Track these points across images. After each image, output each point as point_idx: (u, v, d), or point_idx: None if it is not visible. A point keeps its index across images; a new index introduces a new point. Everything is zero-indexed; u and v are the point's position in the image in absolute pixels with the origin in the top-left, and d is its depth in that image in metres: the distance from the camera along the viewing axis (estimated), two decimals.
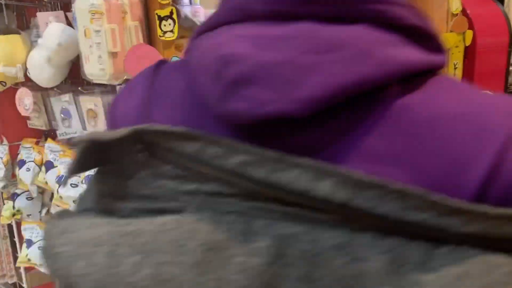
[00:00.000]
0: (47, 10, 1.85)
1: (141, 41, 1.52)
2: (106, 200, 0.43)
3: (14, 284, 2.36)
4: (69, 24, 1.71)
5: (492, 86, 2.87)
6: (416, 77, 0.42)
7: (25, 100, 1.89)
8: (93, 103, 1.70)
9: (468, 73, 2.75)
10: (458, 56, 2.59)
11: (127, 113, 0.49)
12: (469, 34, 2.59)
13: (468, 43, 2.60)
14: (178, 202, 0.39)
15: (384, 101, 0.40)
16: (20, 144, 2.11)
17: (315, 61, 0.38)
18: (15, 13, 1.98)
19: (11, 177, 2.11)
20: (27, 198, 2.10)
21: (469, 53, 2.67)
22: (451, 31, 2.47)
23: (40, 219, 2.11)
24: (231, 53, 0.39)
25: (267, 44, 0.39)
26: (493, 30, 2.77)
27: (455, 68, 2.62)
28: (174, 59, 1.55)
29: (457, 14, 2.47)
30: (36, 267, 2.09)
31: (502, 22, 2.80)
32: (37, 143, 2.11)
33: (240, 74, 0.39)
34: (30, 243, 2.07)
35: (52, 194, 1.95)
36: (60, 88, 1.88)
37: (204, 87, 0.42)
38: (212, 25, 0.45)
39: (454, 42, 2.49)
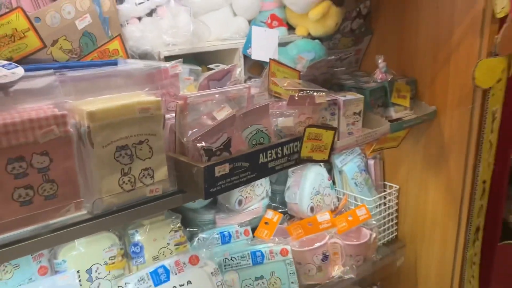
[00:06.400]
0: None
1: None
2: None
3: None
4: None
5: None
6: None
7: None
8: None
9: (509, 119, 1.68)
10: (499, 97, 1.51)
11: None
12: None
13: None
14: None
15: None
16: None
17: None
18: None
19: None
20: None
21: (508, 88, 1.64)
22: (495, 55, 1.39)
23: None
24: None
25: None
26: None
27: (494, 120, 1.53)
28: None
29: (504, 18, 1.40)
30: None
31: None
32: None
33: None
34: None
35: None
36: None
37: None
38: None
39: (498, 73, 1.41)
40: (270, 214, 1.62)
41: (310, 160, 1.25)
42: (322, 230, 1.54)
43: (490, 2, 1.39)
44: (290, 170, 1.73)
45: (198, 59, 1.51)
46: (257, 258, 1.40)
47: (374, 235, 1.63)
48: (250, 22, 1.60)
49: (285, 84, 1.29)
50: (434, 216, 1.71)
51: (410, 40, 1.66)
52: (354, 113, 1.43)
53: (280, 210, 1.70)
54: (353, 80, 1.60)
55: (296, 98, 1.22)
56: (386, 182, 1.85)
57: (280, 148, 1.15)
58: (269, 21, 1.62)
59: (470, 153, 1.55)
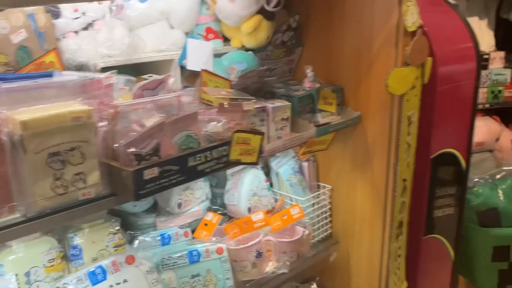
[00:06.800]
0: None
1: None
2: None
3: None
4: None
5: (456, 133, 2.00)
6: None
7: None
8: None
9: (426, 123, 1.85)
10: (414, 103, 1.67)
11: None
12: (428, 64, 1.69)
13: (427, 78, 1.70)
14: None
15: None
16: None
17: None
18: None
19: None
20: None
21: (427, 93, 1.80)
22: (407, 64, 1.55)
23: None
24: None
25: None
26: (457, 52, 1.92)
27: (410, 124, 1.68)
28: None
29: (415, 32, 1.55)
30: None
31: (465, 37, 1.94)
32: None
33: None
34: None
35: None
36: None
37: None
38: None
39: (410, 81, 1.57)
40: (209, 216, 1.71)
41: (239, 163, 1.36)
42: (256, 229, 1.65)
43: (401, 17, 1.54)
44: (229, 173, 1.83)
45: (137, 70, 1.59)
46: (193, 257, 1.49)
47: (307, 232, 1.75)
48: (187, 34, 1.70)
49: (216, 93, 1.39)
50: (363, 213, 1.85)
51: (336, 51, 1.79)
52: (282, 119, 1.54)
53: (220, 212, 1.79)
54: (285, 89, 1.72)
55: (225, 106, 1.33)
56: (319, 183, 1.98)
57: (209, 152, 1.24)
58: (205, 33, 1.72)
59: (391, 154, 1.70)
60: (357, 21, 1.70)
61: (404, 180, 1.74)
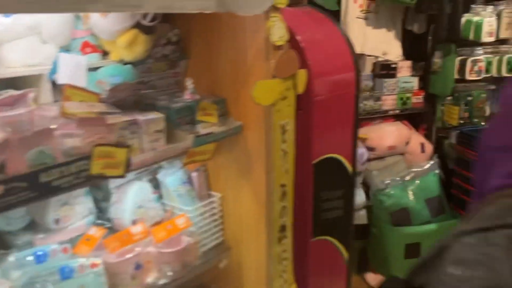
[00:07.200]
0: None
1: None
2: None
3: None
4: None
5: (338, 139, 2.11)
6: None
7: None
8: None
9: (306, 130, 1.95)
10: (287, 112, 1.75)
11: None
12: (302, 76, 1.78)
13: (301, 89, 1.79)
14: None
15: None
16: None
17: None
18: None
19: None
20: None
21: (304, 103, 1.89)
22: (273, 77, 1.63)
23: None
24: None
25: None
26: (334, 64, 2.04)
27: (285, 132, 1.77)
28: None
29: (281, 46, 1.63)
30: None
31: (343, 49, 2.07)
32: None
33: None
34: None
35: None
36: None
37: None
38: None
39: (277, 92, 1.65)
40: (93, 230, 1.70)
41: (103, 177, 1.37)
42: (137, 241, 1.66)
43: (269, 30, 1.62)
44: (113, 186, 1.82)
45: (9, 85, 1.56)
46: (65, 274, 1.47)
47: (192, 241, 1.78)
48: (62, 49, 1.69)
49: (80, 107, 1.39)
50: (248, 219, 1.91)
51: (217, 64, 1.85)
52: (156, 131, 1.57)
53: (107, 226, 1.78)
54: (167, 101, 1.75)
55: (85, 120, 1.34)
56: (211, 192, 2.02)
57: (65, 167, 1.25)
58: (82, 48, 1.72)
59: (269, 161, 1.77)
60: (233, 35, 1.76)
61: (283, 185, 1.82)
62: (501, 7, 3.10)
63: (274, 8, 1.58)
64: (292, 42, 1.88)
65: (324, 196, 2.11)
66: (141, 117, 1.54)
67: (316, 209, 2.08)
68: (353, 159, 2.22)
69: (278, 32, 1.62)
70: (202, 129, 1.73)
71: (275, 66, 1.60)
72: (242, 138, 1.84)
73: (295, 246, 2.01)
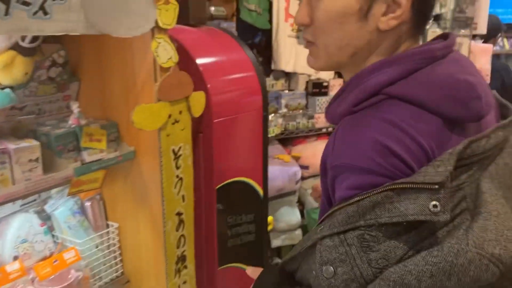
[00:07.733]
0: None
1: None
2: None
3: None
4: None
5: (246, 161, 2.05)
6: None
7: None
8: None
9: (207, 154, 1.88)
10: (181, 136, 1.67)
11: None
12: (199, 98, 1.72)
13: (198, 112, 1.72)
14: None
15: None
16: None
17: (479, 81, 0.83)
18: None
19: None
20: None
21: (204, 125, 1.83)
22: (158, 100, 1.55)
23: None
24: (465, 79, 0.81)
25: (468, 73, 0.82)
26: (237, 86, 1.98)
27: (178, 157, 1.69)
28: None
29: (169, 68, 1.57)
30: None
31: (248, 70, 2.03)
32: None
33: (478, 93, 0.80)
34: None
35: None
36: None
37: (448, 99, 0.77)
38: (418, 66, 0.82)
39: (163, 117, 1.56)
40: None
41: None
42: (13, 280, 1.52)
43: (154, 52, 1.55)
44: None
45: None
46: None
47: (81, 276, 1.65)
48: None
49: None
50: (147, 250, 1.80)
51: (109, 87, 1.76)
52: (30, 160, 1.45)
53: None
54: (52, 126, 1.63)
55: None
56: (109, 222, 1.91)
57: None
58: None
59: (164, 188, 1.69)
60: (123, 56, 1.68)
61: (179, 214, 1.73)
62: None
63: (159, 29, 1.51)
64: (190, 64, 1.82)
65: (231, 222, 2.04)
66: (12, 145, 1.42)
67: (222, 236, 2.00)
68: (264, 181, 2.17)
69: (165, 54, 1.55)
70: (88, 156, 1.62)
71: (158, 89, 1.52)
72: (136, 164, 1.75)
73: (202, 275, 1.92)
